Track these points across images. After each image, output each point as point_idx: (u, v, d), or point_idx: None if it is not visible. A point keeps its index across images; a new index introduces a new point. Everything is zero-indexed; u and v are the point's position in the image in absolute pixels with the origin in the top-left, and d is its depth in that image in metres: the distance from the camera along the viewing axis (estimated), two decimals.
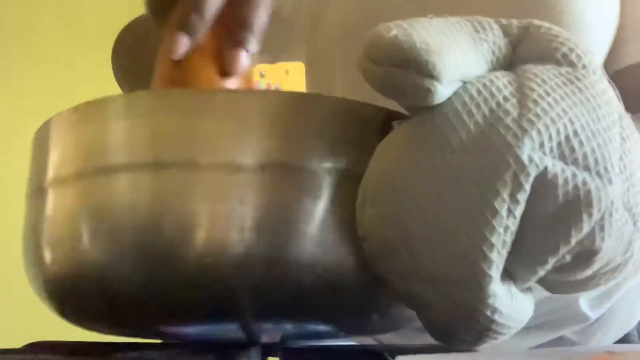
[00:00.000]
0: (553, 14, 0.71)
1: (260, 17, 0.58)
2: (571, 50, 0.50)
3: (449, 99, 0.47)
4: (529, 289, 0.52)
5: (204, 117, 0.49)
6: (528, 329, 0.81)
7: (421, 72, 0.45)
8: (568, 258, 0.47)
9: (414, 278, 0.48)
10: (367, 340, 0.71)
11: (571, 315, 0.84)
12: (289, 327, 0.54)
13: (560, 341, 0.85)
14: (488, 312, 0.47)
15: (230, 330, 0.54)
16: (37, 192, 0.55)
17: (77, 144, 0.52)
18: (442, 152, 0.46)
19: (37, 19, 2.27)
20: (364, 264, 0.50)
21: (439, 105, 0.47)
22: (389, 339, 0.76)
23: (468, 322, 0.48)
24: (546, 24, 0.52)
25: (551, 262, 0.47)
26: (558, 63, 0.50)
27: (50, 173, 0.54)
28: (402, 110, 0.51)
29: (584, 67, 0.50)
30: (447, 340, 0.51)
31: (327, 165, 0.49)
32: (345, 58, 0.81)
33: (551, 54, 0.50)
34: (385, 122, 0.51)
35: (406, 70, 0.45)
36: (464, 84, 0.47)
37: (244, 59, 0.58)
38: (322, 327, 0.55)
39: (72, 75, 2.24)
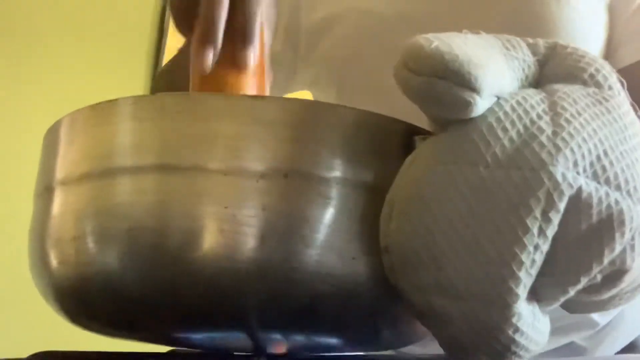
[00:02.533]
0: (547, 26, 0.73)
1: (258, 23, 0.62)
2: (598, 71, 0.51)
3: (483, 113, 0.47)
4: (546, 312, 0.52)
5: (217, 121, 0.49)
6: None
7: (462, 83, 0.45)
8: (599, 278, 0.48)
9: (437, 292, 0.48)
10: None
11: (580, 322, 0.85)
12: (296, 338, 0.54)
13: (569, 347, 0.86)
14: (510, 332, 0.47)
15: (237, 338, 0.53)
16: (44, 192, 0.54)
17: (86, 145, 0.52)
18: (476, 166, 0.46)
19: (45, 22, 2.25)
20: (378, 277, 0.50)
21: (473, 120, 0.47)
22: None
23: (489, 340, 0.48)
24: (572, 45, 0.52)
25: (583, 281, 0.47)
26: (585, 83, 0.51)
27: (59, 173, 0.53)
28: (424, 125, 0.52)
29: (609, 88, 0.51)
30: (465, 358, 0.51)
31: (345, 176, 0.49)
32: (355, 80, 0.82)
33: (578, 74, 0.51)
34: (407, 136, 0.51)
35: (447, 81, 0.45)
36: (497, 99, 0.48)
37: (252, 53, 0.62)
38: (331, 340, 0.55)
39: (82, 76, 2.22)
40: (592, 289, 0.49)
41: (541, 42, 0.52)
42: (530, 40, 0.52)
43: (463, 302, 0.47)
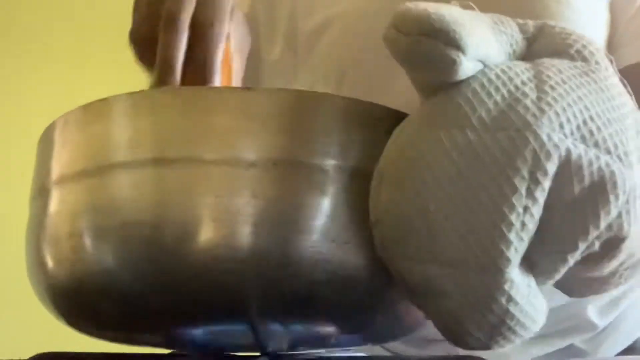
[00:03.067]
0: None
1: (218, 57, 0.61)
2: (584, 47, 0.52)
3: (468, 80, 0.48)
4: (544, 290, 0.52)
5: (210, 114, 0.50)
6: (537, 338, 0.81)
7: (448, 41, 0.46)
8: (597, 245, 0.48)
9: (430, 261, 0.48)
10: (377, 351, 0.70)
11: (580, 324, 0.84)
12: (296, 329, 0.54)
13: (569, 350, 0.85)
14: (503, 300, 0.47)
15: (238, 332, 0.53)
16: (40, 192, 0.55)
17: (81, 142, 0.53)
18: (462, 129, 0.47)
19: (44, 22, 2.29)
20: (373, 261, 0.50)
21: (458, 86, 0.48)
22: (399, 348, 0.76)
23: (482, 311, 0.48)
24: (560, 24, 0.54)
25: (581, 247, 0.47)
26: (572, 58, 0.52)
27: (54, 172, 0.54)
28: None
29: (597, 62, 0.51)
30: (459, 337, 0.50)
31: (336, 162, 0.50)
32: (353, 82, 0.83)
33: (565, 49, 0.52)
34: (395, 123, 0.52)
35: (433, 39, 0.46)
36: (482, 67, 0.49)
37: None
38: (329, 329, 0.54)
39: (81, 77, 2.24)
40: (591, 259, 0.49)
41: (530, 22, 0.54)
42: (520, 21, 0.54)
43: (455, 269, 0.47)
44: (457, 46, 0.46)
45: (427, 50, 0.47)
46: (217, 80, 0.61)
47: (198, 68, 0.60)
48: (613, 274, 0.52)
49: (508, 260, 0.47)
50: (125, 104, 0.52)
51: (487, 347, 0.50)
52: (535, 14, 0.74)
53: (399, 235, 0.49)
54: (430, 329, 0.54)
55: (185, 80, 0.60)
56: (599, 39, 0.80)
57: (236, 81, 0.67)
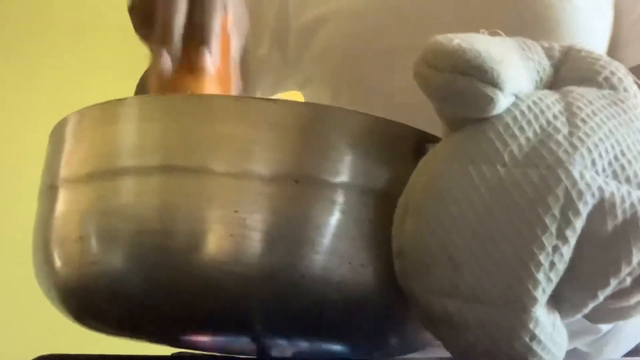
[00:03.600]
0: (549, 24, 0.73)
1: (215, 22, 0.61)
2: (613, 74, 0.51)
3: (499, 113, 0.47)
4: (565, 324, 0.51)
5: (224, 124, 0.49)
6: None
7: (485, 79, 0.45)
8: (628, 281, 0.47)
9: (453, 295, 0.47)
10: None
11: (583, 328, 0.84)
12: (301, 344, 0.53)
13: (573, 353, 0.85)
14: (527, 338, 0.46)
15: (242, 342, 0.53)
16: (49, 190, 0.54)
17: (90, 144, 0.52)
18: (493, 164, 0.46)
19: (49, 22, 2.25)
20: (387, 285, 0.49)
21: (489, 119, 0.47)
22: None
23: (504, 347, 0.47)
24: (586, 48, 0.52)
25: (613, 284, 0.47)
26: (600, 85, 0.50)
27: (63, 172, 0.53)
28: (435, 133, 0.51)
29: (625, 90, 0.50)
30: None
31: (355, 182, 0.48)
32: (350, 81, 0.81)
33: (593, 77, 0.51)
34: (418, 143, 0.51)
35: (469, 77, 0.45)
36: (514, 100, 0.48)
37: (207, 56, 0.61)
38: (336, 347, 0.54)
39: (85, 77, 2.21)
40: (621, 293, 0.48)
41: (556, 46, 0.52)
42: (546, 44, 0.52)
43: (479, 305, 0.47)
44: (495, 84, 0.45)
45: (463, 88, 0.45)
46: (215, 46, 0.61)
47: (196, 31, 0.60)
48: (638, 303, 0.51)
49: (535, 299, 0.46)
50: (141, 106, 0.51)
51: None
52: (537, 12, 0.74)
53: (422, 268, 0.48)
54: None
55: (183, 44, 0.60)
56: (602, 37, 0.79)
57: (234, 57, 0.66)
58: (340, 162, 0.48)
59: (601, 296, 0.48)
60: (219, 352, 0.57)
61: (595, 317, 0.52)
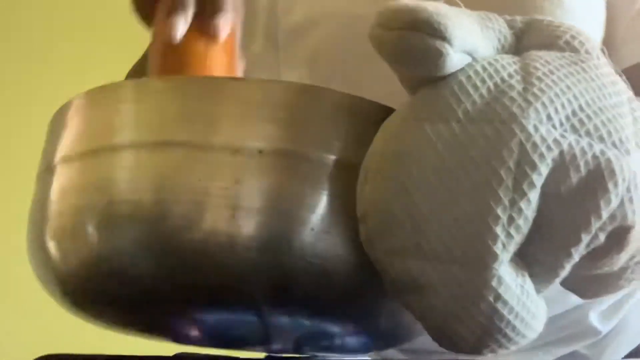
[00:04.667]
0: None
1: None
2: (573, 37, 0.51)
3: (454, 73, 0.47)
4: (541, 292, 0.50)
5: (211, 102, 0.51)
6: (539, 346, 0.80)
7: (433, 33, 0.45)
8: (602, 237, 0.47)
9: (416, 255, 0.47)
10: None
11: (582, 331, 0.83)
12: (299, 324, 0.53)
13: (572, 356, 0.83)
14: (491, 298, 0.46)
15: (243, 322, 0.53)
16: (45, 171, 0.55)
17: (85, 125, 0.53)
18: (448, 121, 0.46)
19: (49, 19, 2.31)
20: (355, 252, 0.50)
21: (444, 79, 0.47)
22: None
23: (468, 308, 0.47)
24: (548, 18, 0.53)
25: (585, 239, 0.46)
26: (561, 49, 0.51)
27: (59, 152, 0.54)
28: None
29: (587, 52, 0.51)
30: (447, 337, 0.49)
31: (329, 155, 0.50)
32: (341, 85, 0.82)
33: (554, 41, 0.51)
34: (382, 116, 0.52)
35: (418, 32, 0.45)
36: (470, 61, 0.48)
37: (224, 23, 0.61)
38: (332, 328, 0.54)
39: (84, 73, 2.25)
40: (597, 252, 0.48)
41: (518, 18, 0.53)
42: (508, 17, 0.53)
43: (441, 263, 0.47)
44: (443, 37, 0.45)
45: (412, 43, 0.46)
46: (229, 14, 0.61)
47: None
48: (624, 269, 0.51)
49: (495, 255, 0.46)
50: (128, 89, 0.54)
51: (477, 352, 0.49)
52: (526, 14, 0.74)
53: (384, 229, 0.48)
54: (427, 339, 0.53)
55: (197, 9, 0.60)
56: (594, 37, 0.78)
57: (237, 36, 0.66)
58: (301, 132, 0.50)
59: (575, 254, 0.47)
60: (221, 343, 0.57)
61: (581, 287, 0.52)
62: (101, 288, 0.53)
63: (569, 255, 0.48)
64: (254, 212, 0.48)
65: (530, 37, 0.52)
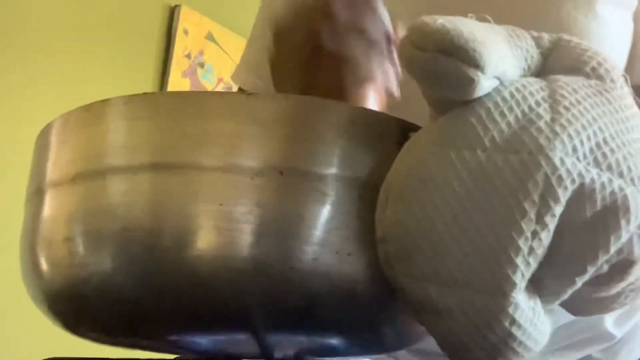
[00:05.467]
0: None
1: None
2: (600, 64, 0.51)
3: (481, 98, 0.47)
4: (551, 311, 0.51)
5: (210, 120, 0.49)
6: (554, 350, 0.81)
7: (467, 60, 0.45)
8: (606, 268, 0.47)
9: (434, 280, 0.47)
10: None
11: (597, 335, 0.84)
12: (299, 338, 0.53)
13: None
14: (507, 323, 0.47)
15: (241, 341, 0.53)
16: (35, 194, 0.54)
17: (76, 145, 0.51)
18: (474, 149, 0.46)
19: (52, 26, 2.26)
20: (376, 274, 0.49)
21: (471, 104, 0.47)
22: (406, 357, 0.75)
23: (484, 332, 0.47)
24: (575, 39, 0.52)
25: (590, 271, 0.47)
26: (587, 75, 0.51)
27: (50, 175, 0.53)
28: (419, 123, 0.52)
29: (612, 81, 0.51)
30: (459, 355, 0.50)
31: (340, 172, 0.49)
32: None
33: (580, 66, 0.51)
34: (402, 133, 0.51)
35: (451, 57, 0.45)
36: (498, 84, 0.48)
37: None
38: (332, 341, 0.54)
39: (89, 82, 2.23)
40: (599, 280, 0.48)
41: (546, 36, 0.52)
42: (535, 34, 0.52)
43: (459, 290, 0.47)
44: (477, 65, 0.45)
45: (444, 68, 0.45)
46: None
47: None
48: (619, 294, 0.51)
49: (514, 284, 0.46)
50: (125, 106, 0.51)
51: None
52: (562, 27, 0.72)
53: (404, 253, 0.48)
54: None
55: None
56: (624, 51, 0.78)
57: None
58: (322, 152, 0.49)
59: (579, 282, 0.48)
60: (221, 355, 0.56)
61: (575, 307, 0.52)
62: (93, 310, 0.52)
63: (573, 283, 0.48)
64: (278, 236, 0.47)
65: (556, 58, 0.52)
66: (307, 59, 0.58)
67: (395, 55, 0.61)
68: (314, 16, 0.60)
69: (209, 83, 2.70)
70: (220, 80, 2.75)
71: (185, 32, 2.61)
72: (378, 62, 0.60)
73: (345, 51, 0.59)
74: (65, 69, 2.26)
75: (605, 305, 0.52)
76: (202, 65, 2.68)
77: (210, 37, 2.71)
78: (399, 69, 0.62)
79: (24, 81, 2.18)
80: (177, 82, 2.54)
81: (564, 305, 0.53)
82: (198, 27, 2.65)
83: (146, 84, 2.44)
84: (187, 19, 2.61)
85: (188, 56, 2.62)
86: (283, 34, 0.62)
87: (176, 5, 2.61)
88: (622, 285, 0.50)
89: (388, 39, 0.61)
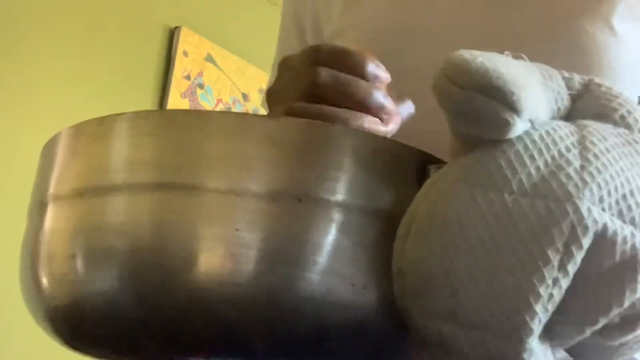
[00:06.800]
0: (591, 56, 0.70)
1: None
2: (629, 113, 0.50)
3: (511, 140, 0.46)
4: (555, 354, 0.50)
5: (225, 141, 0.47)
6: None
7: (505, 102, 0.44)
8: (617, 320, 0.47)
9: (449, 319, 0.46)
10: None
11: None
12: None
13: None
14: None
15: None
16: (38, 206, 0.52)
17: (80, 160, 0.50)
18: (501, 192, 0.45)
19: (53, 46, 2.26)
20: (390, 308, 0.48)
21: (501, 145, 0.46)
22: None
23: None
24: (606, 83, 0.52)
25: (601, 322, 0.46)
26: (615, 123, 0.50)
27: (53, 188, 0.51)
28: (438, 155, 0.51)
29: (639, 131, 0.50)
30: None
31: (358, 202, 0.47)
32: None
33: (609, 113, 0.50)
34: (421, 164, 0.50)
35: (490, 98, 0.44)
36: (529, 127, 0.47)
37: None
38: None
39: (89, 101, 2.23)
40: (608, 331, 0.48)
41: (577, 77, 0.52)
42: (566, 74, 0.52)
43: (474, 332, 0.46)
44: (514, 109, 0.44)
45: (481, 108, 0.45)
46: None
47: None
48: (623, 345, 0.50)
49: (531, 330, 0.45)
50: (131, 123, 0.49)
51: None
52: (579, 46, 0.71)
53: (421, 290, 0.47)
54: None
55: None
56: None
57: None
58: (342, 181, 0.47)
59: (588, 332, 0.47)
60: None
61: (577, 353, 0.52)
62: (94, 328, 0.50)
63: (583, 332, 0.48)
64: (289, 263, 0.46)
65: (585, 102, 0.51)
66: (303, 89, 0.57)
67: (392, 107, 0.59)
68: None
69: (208, 104, 2.70)
70: (219, 101, 2.75)
71: (185, 53, 2.61)
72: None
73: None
74: (65, 88, 2.25)
75: (609, 355, 0.52)
76: (201, 86, 2.68)
77: (209, 58, 2.71)
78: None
79: (23, 100, 2.18)
80: (176, 102, 2.53)
81: (566, 349, 0.52)
82: (198, 48, 2.65)
83: (145, 104, 2.44)
84: (186, 41, 2.62)
85: (187, 77, 2.62)
86: (285, 65, 0.61)
87: (176, 27, 2.61)
88: (629, 337, 0.49)
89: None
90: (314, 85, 0.55)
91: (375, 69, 0.57)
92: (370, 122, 0.56)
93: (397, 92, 0.60)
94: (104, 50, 2.37)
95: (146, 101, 2.47)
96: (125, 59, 2.43)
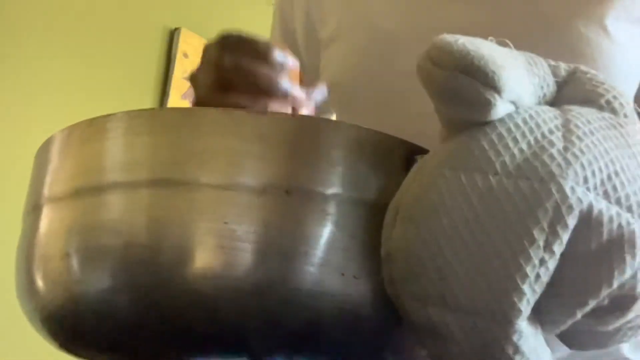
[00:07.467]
0: (584, 57, 0.70)
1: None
2: (615, 98, 0.51)
3: (494, 123, 0.47)
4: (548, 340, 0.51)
5: (215, 137, 0.48)
6: None
7: (485, 81, 0.45)
8: (606, 302, 0.47)
9: (438, 303, 0.47)
10: None
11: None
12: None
13: None
14: (510, 351, 0.46)
15: None
16: (33, 209, 0.53)
17: (78, 159, 0.51)
18: (485, 173, 0.46)
19: (53, 48, 2.27)
20: (381, 297, 0.48)
21: (484, 128, 0.47)
22: None
23: (486, 358, 0.47)
24: (592, 71, 0.53)
25: (591, 303, 0.46)
26: (601, 108, 0.51)
27: (47, 190, 0.52)
28: (424, 145, 0.51)
29: (625, 115, 0.51)
30: None
31: (346, 193, 0.48)
32: (364, 103, 0.79)
33: (595, 99, 0.51)
34: (408, 155, 0.51)
35: (470, 77, 0.45)
36: (513, 109, 0.48)
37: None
38: None
39: (89, 102, 2.23)
40: (599, 313, 0.48)
41: (562, 65, 0.53)
42: (552, 62, 0.52)
43: (463, 315, 0.46)
44: (495, 87, 0.45)
45: (463, 87, 0.45)
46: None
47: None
48: (617, 330, 0.51)
49: (519, 311, 0.46)
50: (130, 122, 0.50)
51: None
52: (573, 47, 0.71)
53: (409, 274, 0.47)
54: None
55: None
56: (635, 67, 0.76)
57: None
58: (330, 173, 0.48)
59: (579, 314, 0.48)
60: None
61: (572, 341, 0.52)
62: (90, 327, 0.51)
63: (574, 315, 0.48)
64: (281, 256, 0.46)
65: (571, 88, 0.52)
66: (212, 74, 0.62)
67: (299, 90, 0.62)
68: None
69: None
70: None
71: (185, 55, 2.61)
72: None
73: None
74: (65, 90, 2.26)
75: (603, 341, 0.52)
76: None
77: None
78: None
79: (24, 103, 2.18)
80: (177, 104, 2.54)
81: (561, 338, 0.52)
82: (198, 50, 2.65)
83: (145, 105, 2.45)
84: (186, 42, 2.62)
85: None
86: (204, 51, 0.65)
87: (176, 28, 2.62)
88: (621, 321, 0.50)
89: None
90: (219, 70, 0.59)
91: (282, 56, 0.59)
92: (275, 109, 0.58)
93: (311, 79, 0.63)
94: (103, 51, 2.37)
95: (146, 103, 2.47)
96: (125, 60, 2.43)
